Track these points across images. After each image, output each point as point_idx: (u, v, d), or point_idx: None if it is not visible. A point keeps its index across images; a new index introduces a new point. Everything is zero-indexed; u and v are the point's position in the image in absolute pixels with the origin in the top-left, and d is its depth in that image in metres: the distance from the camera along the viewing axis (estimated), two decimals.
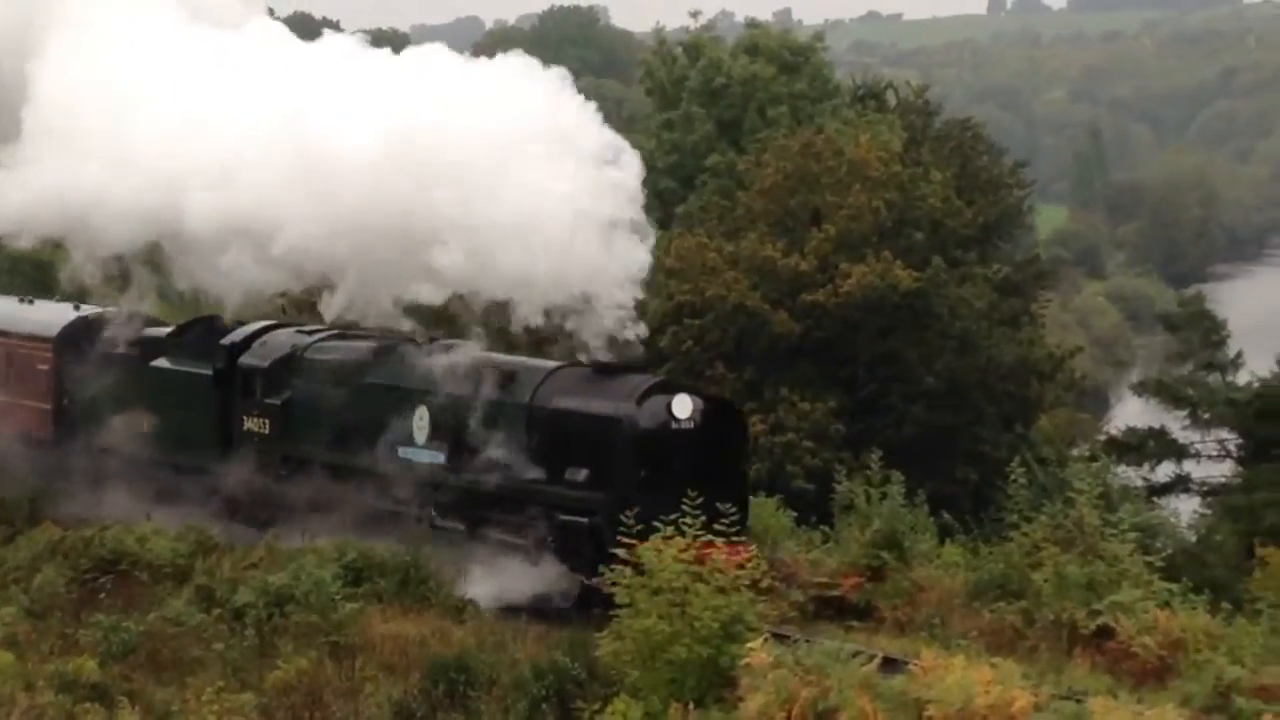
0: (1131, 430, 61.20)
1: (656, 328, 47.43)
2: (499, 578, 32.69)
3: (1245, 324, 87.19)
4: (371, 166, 33.86)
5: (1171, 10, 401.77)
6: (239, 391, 38.23)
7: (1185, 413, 60.70)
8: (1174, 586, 32.23)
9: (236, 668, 29.86)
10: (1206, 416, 59.83)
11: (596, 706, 26.85)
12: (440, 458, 34.06)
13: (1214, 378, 61.23)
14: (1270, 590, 34.34)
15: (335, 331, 38.18)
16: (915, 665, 25.64)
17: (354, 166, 33.99)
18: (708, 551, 27.85)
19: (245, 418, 37.98)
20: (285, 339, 38.46)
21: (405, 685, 29.00)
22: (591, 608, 30.03)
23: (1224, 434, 59.52)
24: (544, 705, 27.42)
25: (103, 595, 33.29)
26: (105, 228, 37.87)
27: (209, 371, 38.84)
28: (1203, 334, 63.08)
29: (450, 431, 34.00)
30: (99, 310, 43.96)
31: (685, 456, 30.77)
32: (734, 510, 29.01)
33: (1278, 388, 56.23)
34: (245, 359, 38.29)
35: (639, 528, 28.26)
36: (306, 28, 67.27)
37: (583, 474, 31.47)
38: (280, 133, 35.46)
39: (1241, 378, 61.39)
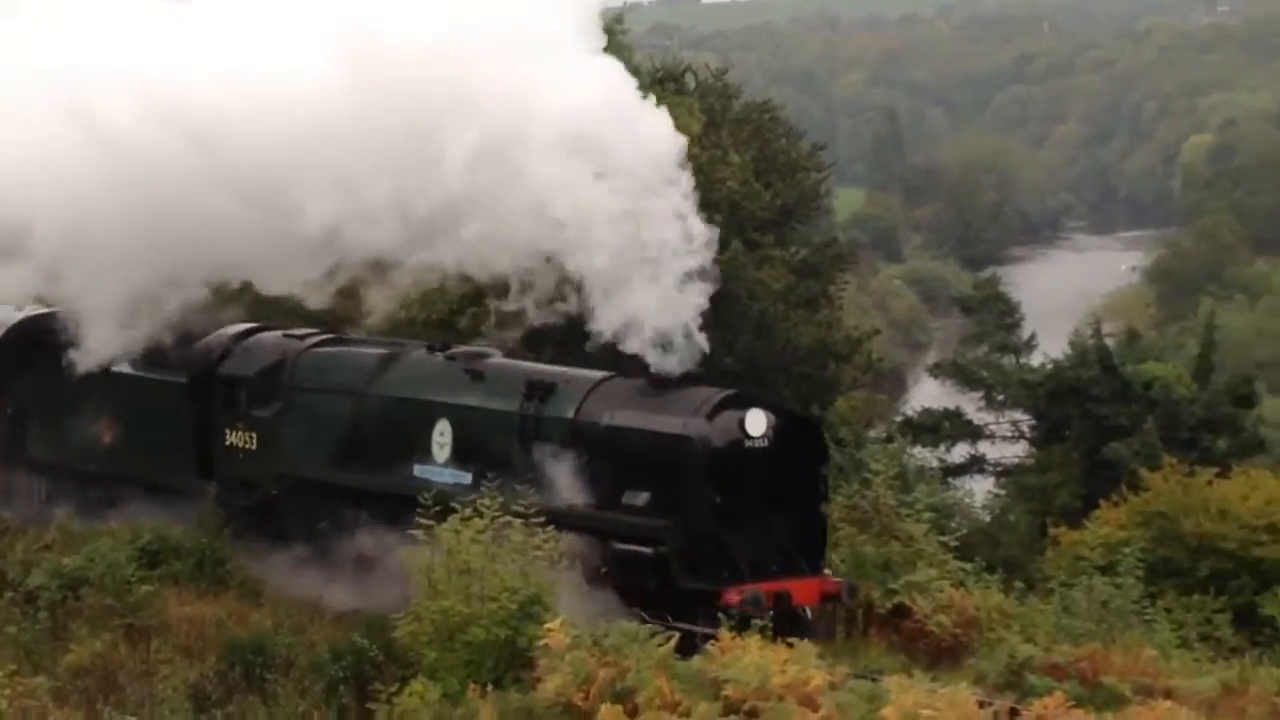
0: (927, 412, 62.24)
1: (457, 308, 47.30)
2: None
3: (1039, 306, 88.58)
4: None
5: None
6: (220, 402, 33.97)
7: (980, 394, 61.76)
8: (968, 566, 32.74)
9: (29, 651, 29.33)
10: (1001, 398, 60.94)
11: (394, 688, 26.68)
12: (466, 478, 29.71)
13: (1008, 360, 62.30)
14: (1062, 569, 34.93)
15: (330, 336, 34.89)
16: (712, 646, 25.74)
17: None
18: (796, 588, 26.53)
19: (228, 431, 33.64)
20: (272, 344, 34.37)
21: (201, 667, 28.74)
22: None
23: (1018, 415, 60.57)
24: (341, 687, 27.35)
25: None
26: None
27: (183, 379, 34.79)
28: (997, 316, 64.32)
29: (477, 449, 30.14)
30: (44, 311, 38.96)
31: (758, 478, 27.34)
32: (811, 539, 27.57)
33: (1069, 370, 57.13)
34: (227, 366, 34.17)
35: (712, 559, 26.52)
36: None
37: (643, 498, 27.62)
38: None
39: (1035, 359, 62.44)
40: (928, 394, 79.01)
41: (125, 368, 35.57)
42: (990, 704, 23.57)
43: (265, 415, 32.73)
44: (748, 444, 26.98)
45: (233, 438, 33.27)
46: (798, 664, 24.69)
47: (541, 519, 27.98)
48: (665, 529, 26.73)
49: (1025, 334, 65.17)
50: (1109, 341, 61.67)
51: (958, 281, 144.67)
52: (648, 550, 26.82)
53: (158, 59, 31.93)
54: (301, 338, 34.15)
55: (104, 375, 35.70)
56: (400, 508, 29.30)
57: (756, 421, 27.01)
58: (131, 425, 35.20)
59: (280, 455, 32.50)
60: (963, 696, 23.30)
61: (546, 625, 26.48)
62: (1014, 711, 22.93)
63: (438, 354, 31.94)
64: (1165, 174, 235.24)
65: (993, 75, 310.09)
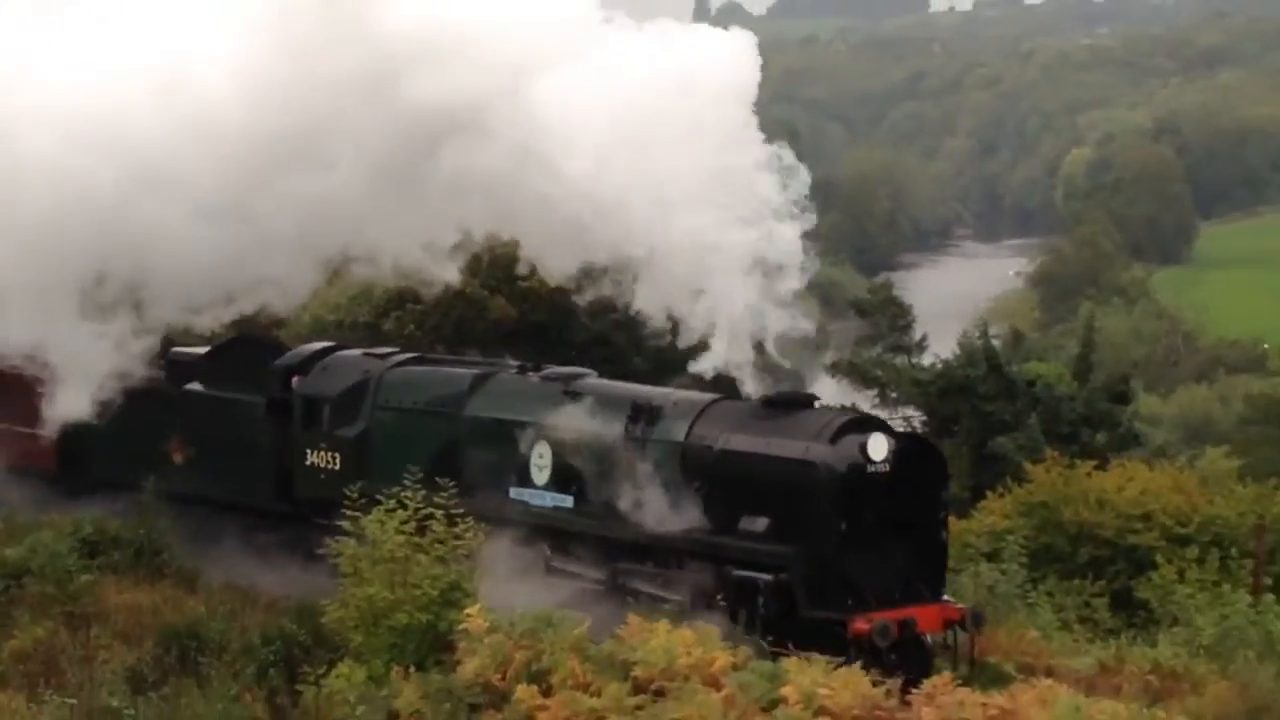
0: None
1: (381, 312, 47.25)
2: None
3: (930, 309, 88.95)
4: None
5: (864, 18, 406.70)
6: (300, 422, 31.58)
7: (875, 392, 61.92)
8: None
9: None
10: (894, 395, 61.13)
11: (322, 670, 26.61)
12: (567, 501, 27.81)
13: (901, 359, 62.58)
14: (950, 557, 34.93)
15: (413, 355, 32.76)
16: (620, 630, 25.72)
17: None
18: (922, 615, 24.58)
19: (309, 451, 31.15)
20: (353, 363, 32.00)
21: (139, 652, 28.45)
22: None
23: (910, 412, 60.74)
24: (271, 670, 27.12)
25: None
26: None
27: (261, 399, 32.43)
28: (891, 319, 64.67)
29: (580, 472, 27.74)
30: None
31: (880, 504, 24.87)
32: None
33: (958, 369, 57.42)
34: (307, 386, 31.80)
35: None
36: None
37: (761, 523, 25.28)
38: None
39: (926, 359, 62.74)
40: (824, 392, 79.05)
41: (197, 387, 33.72)
42: (883, 683, 23.59)
43: (349, 435, 30.59)
44: (870, 469, 24.74)
45: (314, 457, 30.99)
46: (703, 646, 24.75)
47: (462, 512, 27.97)
48: (788, 555, 24.62)
49: (917, 335, 65.66)
50: (995, 342, 61.90)
51: (854, 286, 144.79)
52: (768, 577, 24.66)
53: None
54: (383, 357, 32.05)
55: (176, 395, 33.96)
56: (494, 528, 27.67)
57: (879, 446, 24.82)
58: (205, 445, 32.99)
59: (367, 476, 29.47)
60: (857, 677, 23.34)
61: (466, 611, 26.45)
62: (905, 689, 22.85)
63: (531, 374, 29.92)
64: (1048, 185, 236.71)
65: (888, 92, 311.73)
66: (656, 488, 26.35)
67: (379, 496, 26.99)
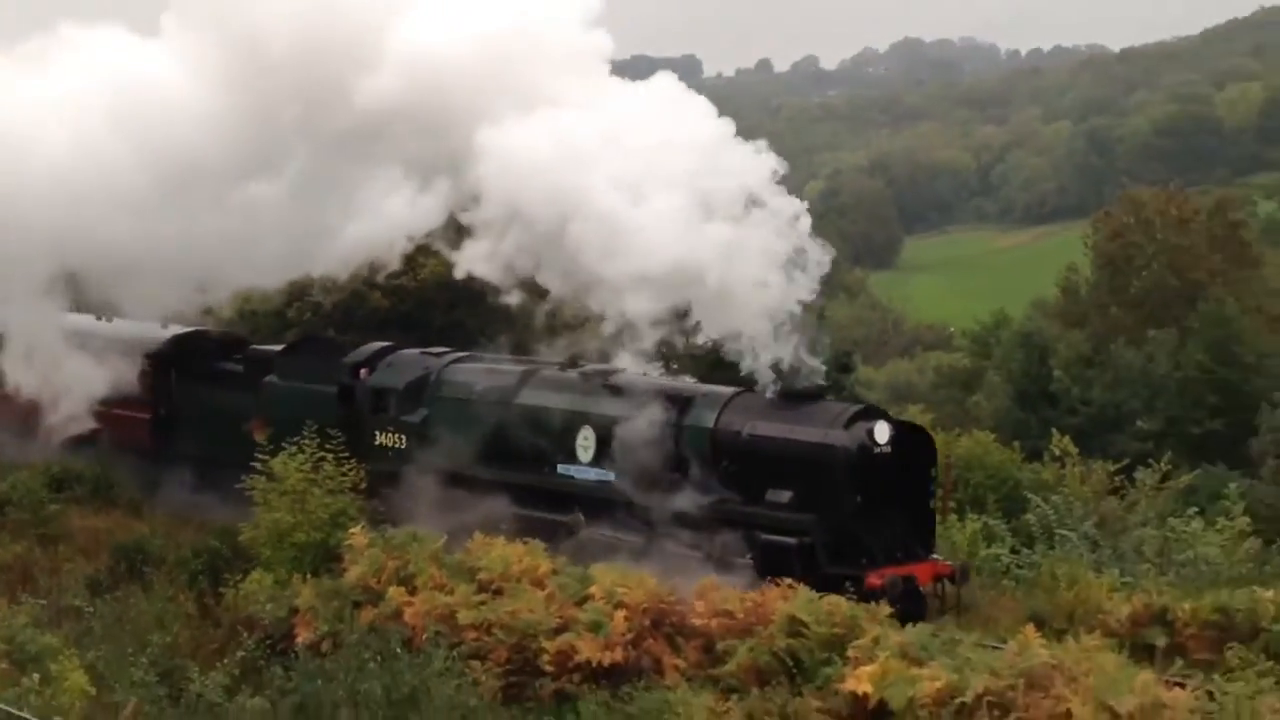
0: None
1: (286, 302, 46.64)
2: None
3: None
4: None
5: None
6: (369, 409, 29.63)
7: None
8: None
9: None
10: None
11: (239, 577, 26.50)
12: (610, 476, 25.86)
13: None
14: None
15: (464, 354, 30.55)
16: (469, 545, 25.67)
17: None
18: (918, 571, 23.23)
19: (377, 433, 29.25)
20: (414, 359, 30.04)
21: (96, 564, 28.20)
22: None
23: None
24: (200, 576, 26.90)
25: None
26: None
27: (333, 389, 30.31)
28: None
29: (620, 451, 25.82)
30: (190, 329, 35.62)
31: (884, 479, 23.71)
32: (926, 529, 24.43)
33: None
34: (375, 379, 29.82)
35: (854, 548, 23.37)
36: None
37: (785, 496, 23.88)
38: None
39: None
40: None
41: (275, 379, 31.64)
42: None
43: (414, 420, 28.63)
44: (876, 450, 23.52)
45: (382, 438, 29.05)
46: (531, 557, 24.78)
47: (348, 455, 27.70)
48: (811, 522, 23.31)
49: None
50: None
51: None
52: (793, 540, 23.30)
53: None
54: (439, 355, 30.11)
55: (256, 384, 31.96)
56: (543, 496, 26.59)
57: (882, 431, 23.65)
58: (283, 426, 29.99)
59: (430, 454, 28.14)
60: (649, 579, 23.43)
61: (351, 531, 26.39)
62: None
63: (570, 370, 27.89)
64: None
65: None
66: (690, 465, 24.98)
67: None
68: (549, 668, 22.64)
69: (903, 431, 24.15)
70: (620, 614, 22.71)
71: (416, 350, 30.40)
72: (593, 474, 25.83)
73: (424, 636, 23.27)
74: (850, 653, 20.79)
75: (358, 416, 29.29)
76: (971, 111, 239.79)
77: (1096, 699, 18.64)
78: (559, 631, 22.91)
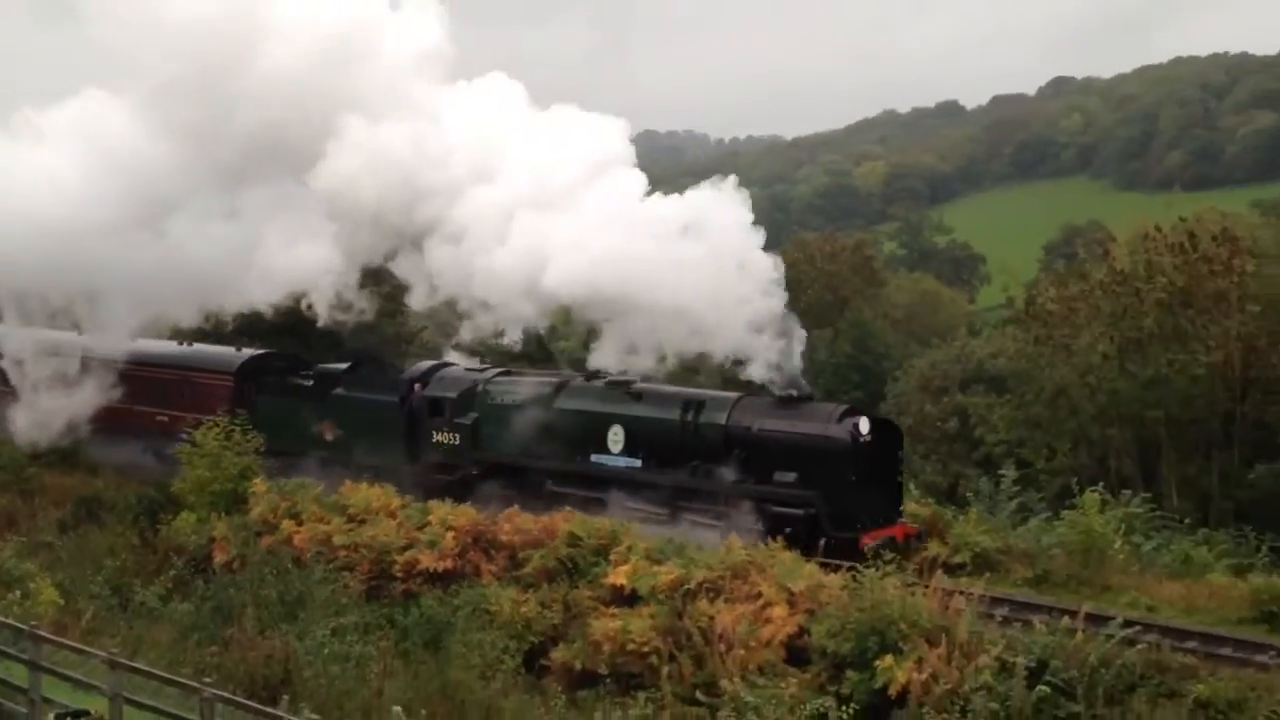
0: None
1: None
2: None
3: None
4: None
5: None
6: (427, 413, 26.71)
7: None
8: None
9: None
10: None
11: (171, 517, 25.80)
12: (637, 463, 23.66)
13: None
14: None
15: (502, 370, 27.66)
16: (342, 489, 25.32)
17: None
18: (895, 533, 21.35)
19: (434, 432, 26.48)
20: (462, 375, 27.19)
21: (63, 511, 27.19)
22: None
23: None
24: (141, 518, 26.08)
25: None
26: None
27: (396, 399, 27.33)
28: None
29: (645, 444, 23.61)
30: (260, 351, 32.32)
31: (867, 461, 21.75)
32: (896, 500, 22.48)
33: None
34: (431, 390, 26.87)
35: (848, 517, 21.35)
36: None
37: (790, 477, 21.86)
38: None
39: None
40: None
41: (342, 391, 28.46)
42: (485, 510, 23.41)
43: (466, 422, 25.96)
44: (861, 439, 21.68)
45: (439, 436, 26.40)
46: (387, 496, 24.59)
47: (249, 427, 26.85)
48: (814, 497, 21.47)
49: None
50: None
51: None
52: (799, 511, 21.48)
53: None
54: (481, 370, 27.43)
55: (326, 395, 28.69)
56: (580, 480, 24.27)
57: (865, 425, 21.84)
58: (350, 428, 27.88)
59: (479, 448, 25.92)
60: (471, 510, 23.39)
61: (254, 481, 25.88)
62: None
63: (594, 381, 25.22)
64: None
65: None
66: (706, 454, 22.87)
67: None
68: (399, 574, 22.57)
69: (878, 424, 22.55)
70: (450, 534, 22.70)
71: (461, 367, 27.89)
72: (623, 461, 23.83)
73: (308, 555, 22.99)
74: (612, 557, 21.09)
75: (417, 420, 26.90)
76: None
77: (778, 582, 19.23)
78: (406, 549, 22.81)
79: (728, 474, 22.46)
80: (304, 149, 25.52)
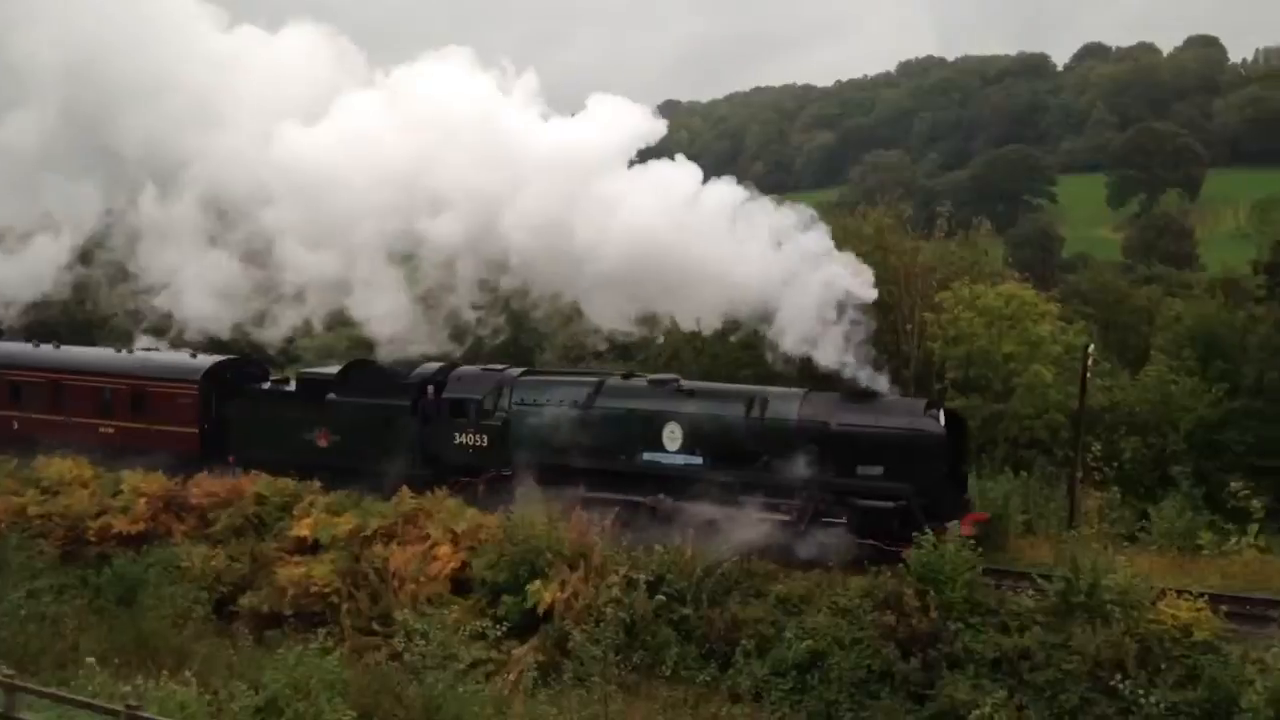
0: None
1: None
2: (774, 540, 19.30)
3: None
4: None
5: None
6: (447, 416, 22.36)
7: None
8: None
9: None
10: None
11: None
12: (697, 460, 20.19)
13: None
14: None
15: (527, 369, 23.74)
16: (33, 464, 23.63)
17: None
18: (980, 518, 19.25)
19: (457, 435, 22.14)
20: (484, 374, 22.89)
21: None
22: (881, 565, 18.38)
23: None
24: None
25: None
26: None
27: (406, 402, 22.77)
28: None
29: (706, 442, 20.27)
30: (227, 357, 25.79)
31: (946, 452, 19.13)
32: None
33: None
34: (451, 391, 22.53)
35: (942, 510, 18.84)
36: None
37: (876, 470, 19.14)
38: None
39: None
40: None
41: (336, 396, 23.54)
42: (297, 479, 21.61)
43: (495, 424, 21.81)
44: (943, 432, 19.04)
45: (463, 439, 22.10)
46: (78, 467, 23.24)
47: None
48: (906, 490, 18.92)
49: None
50: None
51: None
52: (890, 504, 18.92)
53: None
54: (502, 370, 23.14)
55: (318, 401, 23.69)
56: (615, 480, 20.81)
57: (942, 417, 19.41)
58: (347, 434, 23.16)
59: (511, 449, 21.72)
60: (162, 477, 22.45)
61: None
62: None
63: (632, 379, 22.07)
64: None
65: None
66: (775, 451, 19.76)
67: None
68: (93, 539, 21.49)
69: (952, 417, 20.30)
70: (142, 500, 21.83)
71: (477, 368, 23.54)
72: (680, 459, 20.48)
73: (3, 525, 21.45)
74: (296, 512, 20.93)
75: (433, 423, 22.65)
76: None
77: (443, 525, 19.75)
78: (99, 515, 21.73)
79: (797, 469, 19.66)
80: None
